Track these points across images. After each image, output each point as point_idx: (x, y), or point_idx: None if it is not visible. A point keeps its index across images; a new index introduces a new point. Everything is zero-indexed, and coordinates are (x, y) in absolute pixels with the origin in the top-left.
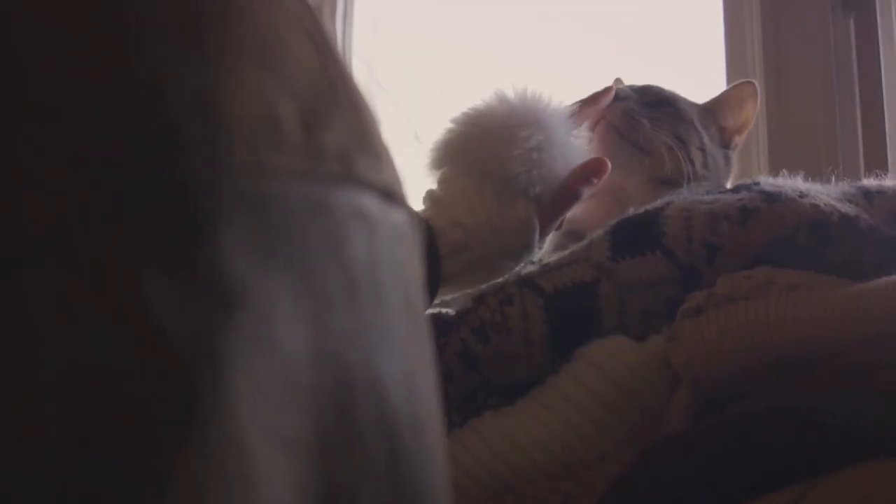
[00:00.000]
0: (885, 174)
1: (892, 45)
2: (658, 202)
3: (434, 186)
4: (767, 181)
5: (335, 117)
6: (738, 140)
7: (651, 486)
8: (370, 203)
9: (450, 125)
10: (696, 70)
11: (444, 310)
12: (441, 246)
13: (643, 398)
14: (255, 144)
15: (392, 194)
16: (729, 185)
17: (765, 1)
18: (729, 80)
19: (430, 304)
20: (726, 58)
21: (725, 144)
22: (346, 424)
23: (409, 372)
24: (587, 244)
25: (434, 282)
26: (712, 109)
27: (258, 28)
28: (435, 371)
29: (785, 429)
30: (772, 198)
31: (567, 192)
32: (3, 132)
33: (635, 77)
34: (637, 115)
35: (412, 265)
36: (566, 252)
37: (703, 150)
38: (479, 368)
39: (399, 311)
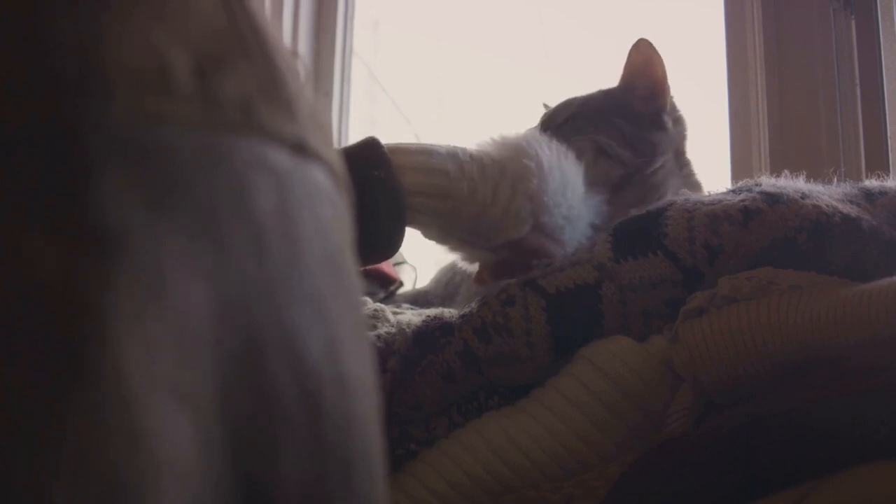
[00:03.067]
0: (887, 175)
1: (893, 45)
2: (660, 203)
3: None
4: (769, 182)
5: (239, 68)
6: (666, 97)
7: (652, 488)
8: (278, 155)
9: (525, 131)
10: (697, 70)
11: (446, 310)
12: (426, 181)
13: (645, 399)
14: (139, 92)
15: (305, 148)
16: (685, 145)
17: (766, 1)
18: (730, 81)
19: (401, 234)
20: (727, 58)
21: (658, 108)
22: (255, 380)
23: (332, 331)
24: (589, 245)
25: (399, 209)
26: (625, 85)
27: None
28: (365, 332)
29: (786, 430)
30: (773, 199)
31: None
32: None
33: None
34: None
35: (338, 224)
36: (569, 253)
37: (627, 139)
38: (481, 369)
39: (320, 269)
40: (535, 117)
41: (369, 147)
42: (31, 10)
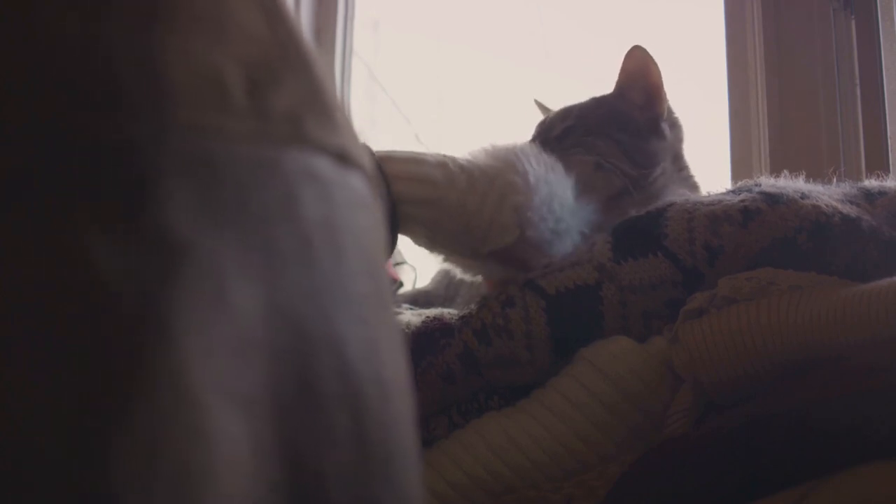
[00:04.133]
0: (887, 175)
1: (893, 45)
2: (660, 203)
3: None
4: (769, 182)
5: (285, 81)
6: (663, 104)
7: (652, 488)
8: (323, 164)
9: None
10: (697, 71)
11: (446, 311)
12: (415, 190)
13: (645, 399)
14: (200, 106)
15: (347, 157)
16: (682, 150)
17: (766, 1)
18: (730, 81)
19: (394, 241)
20: (727, 58)
21: (656, 115)
22: (304, 382)
23: (372, 334)
24: (590, 246)
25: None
26: (620, 93)
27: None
28: (400, 336)
29: (786, 430)
30: (773, 199)
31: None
32: None
33: None
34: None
35: (374, 231)
36: (569, 255)
37: (626, 151)
38: (481, 371)
39: (360, 274)
40: (534, 117)
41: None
42: (94, 30)
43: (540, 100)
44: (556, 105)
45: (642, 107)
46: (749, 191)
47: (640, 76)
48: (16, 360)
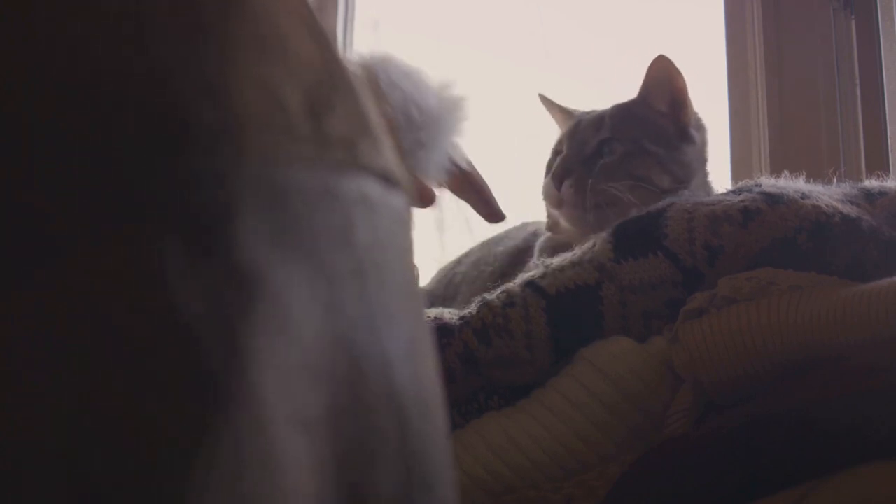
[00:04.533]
0: (887, 175)
1: (893, 45)
2: (660, 204)
3: None
4: (769, 182)
5: (337, 105)
6: (689, 112)
7: (652, 488)
8: (373, 188)
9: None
10: (697, 71)
11: (446, 311)
12: None
13: (645, 399)
14: (267, 133)
15: (391, 178)
16: (707, 152)
17: (766, 1)
18: (730, 81)
19: None
20: (727, 58)
21: (685, 124)
22: (358, 404)
23: (412, 350)
24: (590, 246)
25: None
26: (644, 102)
27: (259, 21)
28: (433, 349)
29: (786, 430)
30: (773, 199)
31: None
32: (15, 131)
33: (635, 77)
34: (586, 183)
35: (411, 247)
36: (569, 254)
37: (662, 164)
38: (481, 370)
39: (401, 291)
40: (534, 116)
41: None
42: (161, 60)
43: (545, 94)
44: (560, 101)
45: (667, 115)
46: (749, 191)
47: (664, 84)
48: (95, 391)
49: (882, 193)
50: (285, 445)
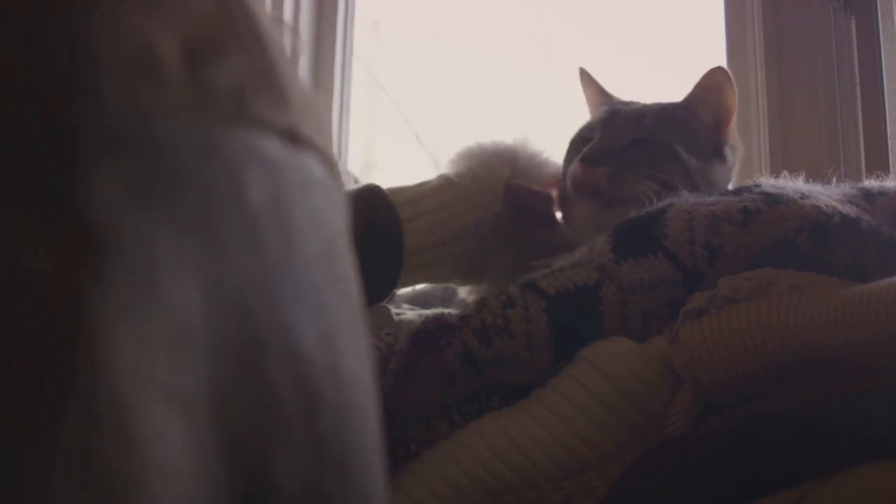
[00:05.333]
0: (887, 175)
1: (893, 45)
2: (659, 204)
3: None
4: (769, 182)
5: (231, 54)
6: (730, 131)
7: (652, 488)
8: (271, 145)
9: (470, 144)
10: (697, 71)
11: (446, 311)
12: (423, 228)
13: (645, 400)
14: (130, 83)
15: (298, 137)
16: (735, 174)
17: (766, 1)
18: None
19: (392, 285)
20: (727, 58)
21: (719, 140)
22: (253, 378)
23: (329, 321)
24: (590, 246)
25: (395, 252)
26: (690, 109)
27: None
28: (362, 322)
29: (786, 430)
30: (773, 199)
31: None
32: None
33: (634, 77)
34: (620, 175)
35: (332, 212)
36: (569, 255)
37: (691, 177)
38: (481, 370)
39: (316, 259)
40: (534, 116)
41: (371, 193)
42: (17, 8)
43: (587, 70)
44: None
45: (709, 128)
46: (749, 191)
47: (716, 97)
48: None
49: (882, 193)
50: (152, 420)
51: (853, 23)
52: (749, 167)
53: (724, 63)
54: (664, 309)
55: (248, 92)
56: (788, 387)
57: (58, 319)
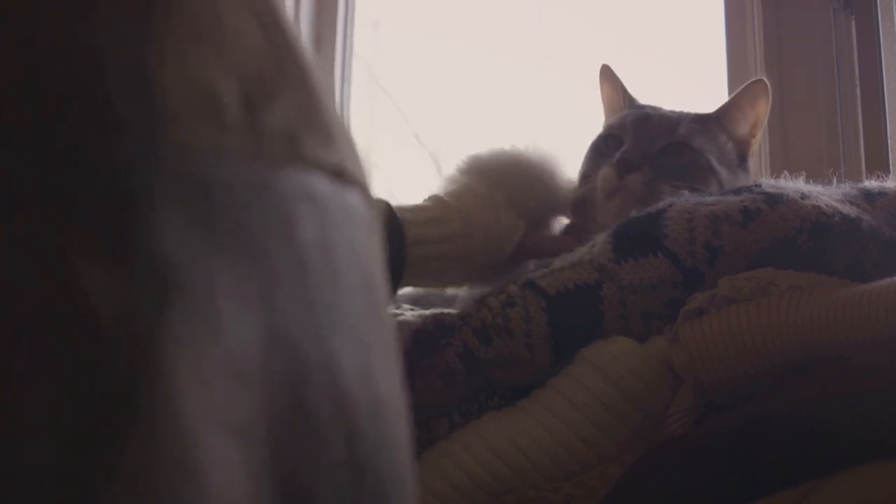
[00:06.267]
0: (887, 175)
1: (893, 45)
2: (659, 204)
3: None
4: (769, 183)
5: (282, 97)
6: (754, 143)
7: (652, 488)
8: (319, 183)
9: (472, 155)
10: (697, 71)
11: (446, 310)
12: (427, 230)
13: (645, 400)
14: (194, 125)
15: (344, 174)
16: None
17: (766, 1)
18: (730, 82)
19: (392, 287)
20: (727, 58)
21: (743, 154)
22: (299, 408)
23: (367, 354)
24: (590, 246)
25: (398, 266)
26: (723, 120)
27: (200, 10)
28: (396, 354)
29: (786, 430)
30: (773, 199)
31: (538, 242)
32: None
33: (634, 77)
34: (659, 184)
35: (370, 246)
36: (569, 255)
37: (721, 187)
38: (481, 370)
39: (356, 293)
40: (534, 116)
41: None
42: (84, 39)
43: (611, 67)
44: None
45: (739, 140)
46: (749, 191)
47: (754, 110)
48: (3, 396)
49: (882, 193)
50: (212, 450)
51: (853, 23)
52: None
53: (723, 63)
54: (664, 309)
55: (299, 132)
56: (788, 387)
57: (122, 350)
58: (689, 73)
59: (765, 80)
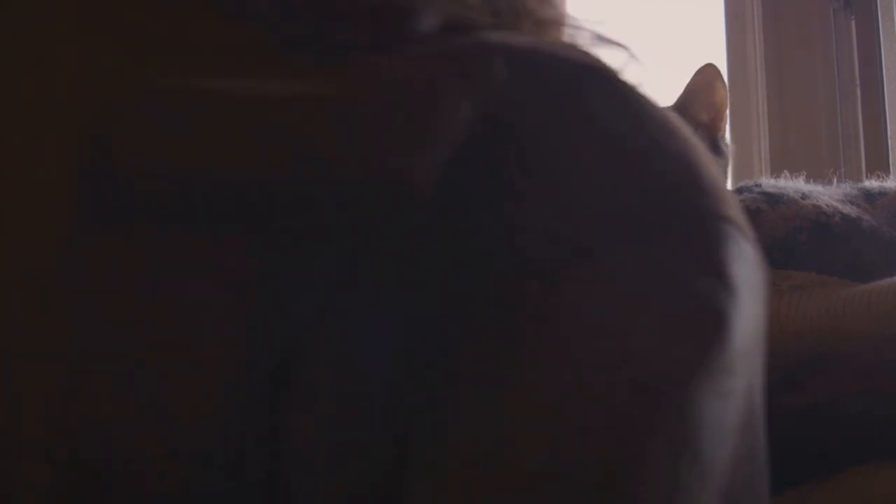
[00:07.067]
0: (887, 175)
1: (893, 45)
2: None
3: None
4: (769, 182)
5: None
6: (722, 125)
7: None
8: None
9: None
10: None
11: None
12: None
13: None
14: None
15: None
16: (730, 171)
17: (766, 1)
18: (730, 82)
19: None
20: (727, 59)
21: (712, 137)
22: (750, 447)
23: None
24: None
25: None
26: (683, 109)
27: None
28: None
29: (789, 431)
30: (773, 199)
31: None
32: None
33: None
34: None
35: None
36: None
37: None
38: None
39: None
40: None
41: None
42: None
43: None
44: None
45: (704, 125)
46: (749, 191)
47: (709, 94)
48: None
49: (882, 193)
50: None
51: (853, 23)
52: (749, 167)
53: (724, 63)
54: None
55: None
56: (788, 387)
57: (711, 326)
58: (689, 74)
59: (713, 63)
